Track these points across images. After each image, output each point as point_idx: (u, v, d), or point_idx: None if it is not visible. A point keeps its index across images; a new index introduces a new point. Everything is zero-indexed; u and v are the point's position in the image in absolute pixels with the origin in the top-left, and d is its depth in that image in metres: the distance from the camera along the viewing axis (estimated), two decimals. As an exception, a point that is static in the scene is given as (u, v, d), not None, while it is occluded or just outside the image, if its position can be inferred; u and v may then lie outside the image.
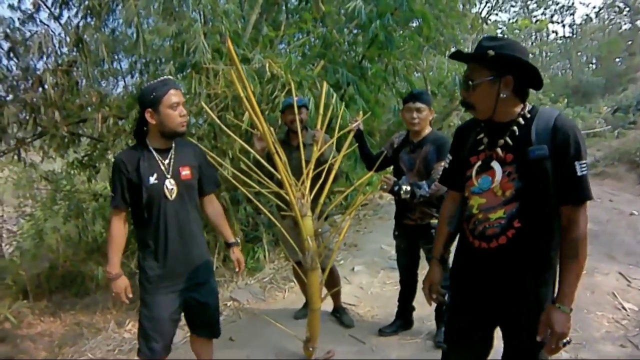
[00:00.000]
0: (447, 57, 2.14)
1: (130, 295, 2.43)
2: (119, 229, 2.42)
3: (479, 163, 1.86)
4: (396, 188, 3.07)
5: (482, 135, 1.87)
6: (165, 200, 2.36)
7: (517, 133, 1.77)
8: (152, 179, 2.33)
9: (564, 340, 1.67)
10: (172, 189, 2.37)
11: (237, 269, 2.78)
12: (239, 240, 2.84)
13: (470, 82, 1.77)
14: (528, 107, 1.81)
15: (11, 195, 10.07)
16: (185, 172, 2.43)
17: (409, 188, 3.07)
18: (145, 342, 2.42)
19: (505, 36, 18.78)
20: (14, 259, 7.68)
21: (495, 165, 1.80)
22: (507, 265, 1.82)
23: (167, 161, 2.39)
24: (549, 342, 1.68)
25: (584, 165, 1.69)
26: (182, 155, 2.46)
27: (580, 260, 1.68)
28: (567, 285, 1.68)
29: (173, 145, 2.44)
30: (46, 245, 7.60)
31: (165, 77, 2.40)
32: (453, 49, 11.60)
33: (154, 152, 2.38)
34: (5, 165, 9.29)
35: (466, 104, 1.84)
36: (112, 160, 2.52)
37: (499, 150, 1.79)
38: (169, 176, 2.37)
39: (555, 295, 1.73)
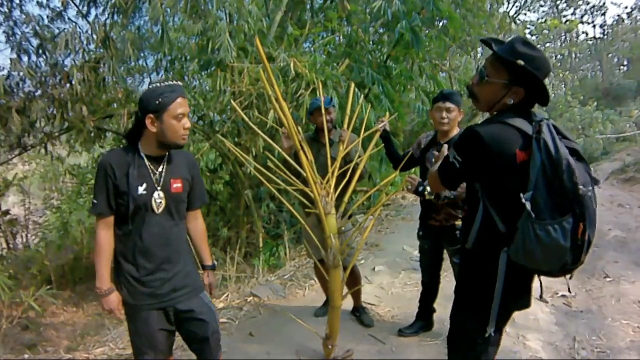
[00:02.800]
0: (480, 40, 2.14)
1: (123, 311, 2.20)
2: (107, 238, 2.14)
3: None
4: (420, 188, 3.03)
5: None
6: (151, 213, 2.13)
7: None
8: (141, 189, 2.09)
9: None
10: (160, 202, 2.14)
11: (206, 294, 2.44)
12: (215, 264, 2.58)
13: (485, 78, 1.84)
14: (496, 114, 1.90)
15: (38, 188, 10.31)
16: (177, 185, 2.20)
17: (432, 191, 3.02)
18: (136, 355, 2.24)
19: (535, 38, 18.49)
20: (40, 250, 7.86)
21: None
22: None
23: (158, 171, 2.16)
24: None
25: (451, 153, 1.88)
26: (175, 166, 2.23)
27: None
28: None
29: (167, 154, 2.20)
30: (71, 237, 7.76)
31: (173, 82, 2.14)
32: (480, 49, 11.52)
33: (146, 160, 2.14)
34: (33, 159, 9.52)
35: (472, 92, 1.94)
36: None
37: None
38: (158, 188, 2.13)
39: None
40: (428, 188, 3.01)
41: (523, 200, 1.64)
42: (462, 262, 2.07)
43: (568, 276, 1.83)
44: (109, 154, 2.19)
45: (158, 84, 2.09)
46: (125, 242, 2.16)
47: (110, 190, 2.08)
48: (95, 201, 2.11)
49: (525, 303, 1.97)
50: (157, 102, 2.02)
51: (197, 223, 2.48)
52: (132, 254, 2.15)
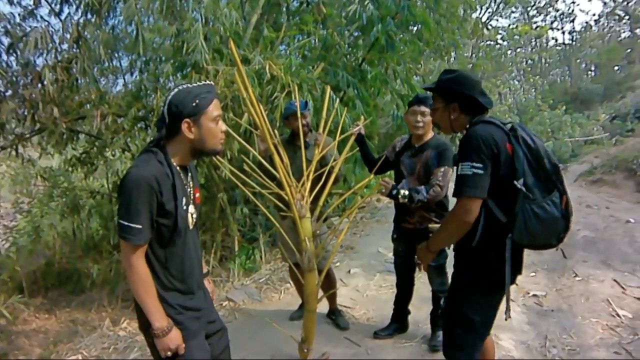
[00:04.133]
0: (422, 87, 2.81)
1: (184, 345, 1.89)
2: (146, 268, 1.82)
3: None
4: (394, 192, 3.07)
5: None
6: (188, 230, 1.94)
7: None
8: (183, 204, 1.87)
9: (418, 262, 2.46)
10: (195, 216, 1.98)
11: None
12: (209, 271, 2.46)
13: (432, 108, 2.33)
14: (471, 122, 2.17)
15: (8, 191, 10.08)
16: (197, 195, 2.03)
17: (407, 192, 3.06)
18: None
19: (507, 44, 18.91)
20: (10, 255, 7.67)
21: None
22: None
23: (188, 182, 1.96)
24: None
25: (465, 165, 1.99)
26: (194, 175, 2.05)
27: (434, 238, 2.26)
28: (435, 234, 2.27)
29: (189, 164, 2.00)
30: (43, 242, 7.60)
31: (206, 82, 1.93)
32: (453, 54, 11.74)
33: (179, 171, 1.90)
34: (3, 161, 9.30)
35: (435, 124, 2.41)
36: (132, 173, 1.75)
37: None
38: (191, 201, 1.95)
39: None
40: (402, 191, 3.05)
41: (518, 186, 1.95)
42: (464, 258, 2.23)
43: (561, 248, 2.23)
44: (148, 166, 1.78)
45: (189, 85, 1.86)
46: (168, 267, 1.90)
47: (154, 210, 1.78)
48: (139, 226, 1.74)
49: (515, 278, 2.22)
50: (193, 104, 1.80)
51: None
52: (178, 278, 1.93)
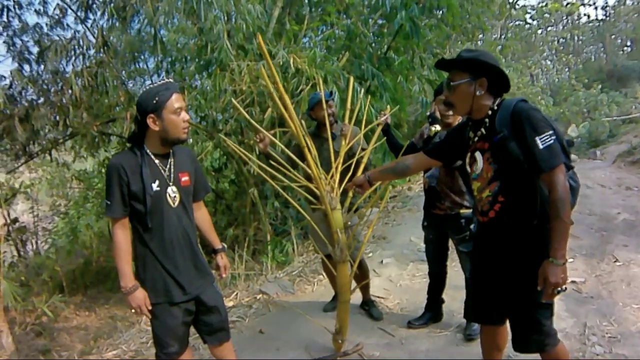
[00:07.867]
0: (434, 67, 2.60)
1: (150, 307, 2.24)
2: (124, 237, 2.24)
3: (469, 155, 2.24)
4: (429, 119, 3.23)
5: (470, 133, 2.24)
6: (168, 208, 2.25)
7: (487, 124, 2.12)
8: (155, 186, 2.21)
9: (559, 289, 1.94)
10: (174, 196, 2.28)
11: (222, 275, 2.63)
12: (225, 247, 2.70)
13: (451, 84, 2.14)
14: (498, 101, 2.12)
15: (45, 195, 10.37)
16: (185, 178, 2.34)
17: (438, 127, 3.17)
18: (161, 349, 2.33)
19: (536, 23, 18.51)
20: (50, 256, 7.93)
21: (477, 154, 2.18)
22: (498, 234, 2.18)
23: (167, 167, 2.28)
24: (546, 290, 1.96)
25: (546, 137, 1.93)
26: (180, 161, 2.36)
27: (562, 218, 1.91)
28: (556, 241, 1.94)
29: (171, 151, 2.32)
30: (80, 242, 7.82)
31: (166, 80, 2.26)
32: (481, 36, 11.48)
33: (154, 158, 2.25)
34: (39, 166, 9.58)
35: (448, 103, 2.23)
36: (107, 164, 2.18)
37: (477, 141, 2.18)
38: (170, 183, 2.27)
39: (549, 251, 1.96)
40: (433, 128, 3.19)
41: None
42: (527, 240, 2.09)
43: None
44: (118, 156, 2.27)
45: (152, 85, 2.21)
46: (148, 240, 2.24)
47: (124, 191, 2.17)
48: (108, 202, 2.19)
49: None
50: (154, 101, 2.13)
51: (202, 211, 2.61)
52: (159, 250, 2.25)
